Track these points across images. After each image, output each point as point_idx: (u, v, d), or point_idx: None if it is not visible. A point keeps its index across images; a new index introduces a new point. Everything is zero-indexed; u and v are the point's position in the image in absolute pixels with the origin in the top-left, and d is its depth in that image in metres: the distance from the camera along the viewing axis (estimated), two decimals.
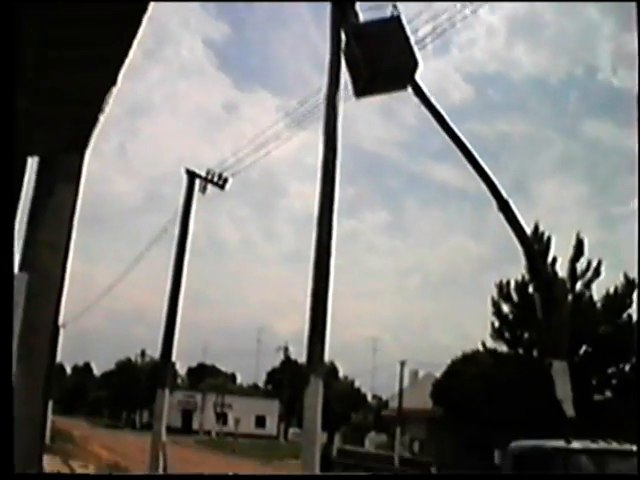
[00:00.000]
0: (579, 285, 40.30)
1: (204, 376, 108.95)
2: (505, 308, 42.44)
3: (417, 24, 16.83)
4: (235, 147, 21.42)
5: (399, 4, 16.52)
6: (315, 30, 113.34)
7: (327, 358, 14.54)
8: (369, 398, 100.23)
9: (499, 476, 13.08)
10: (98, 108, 6.25)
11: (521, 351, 41.68)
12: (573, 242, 40.76)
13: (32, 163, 6.72)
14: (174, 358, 22.44)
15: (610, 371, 40.54)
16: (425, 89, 17.11)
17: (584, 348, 39.28)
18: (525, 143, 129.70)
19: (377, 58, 15.73)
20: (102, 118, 6.49)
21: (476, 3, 17.36)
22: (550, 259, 39.13)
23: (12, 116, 4.57)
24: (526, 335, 40.98)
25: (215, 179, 21.66)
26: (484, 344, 43.55)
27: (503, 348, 42.58)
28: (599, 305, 40.63)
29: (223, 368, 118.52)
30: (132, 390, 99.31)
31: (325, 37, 15.49)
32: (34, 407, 6.11)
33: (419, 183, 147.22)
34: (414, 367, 62.64)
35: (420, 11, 16.99)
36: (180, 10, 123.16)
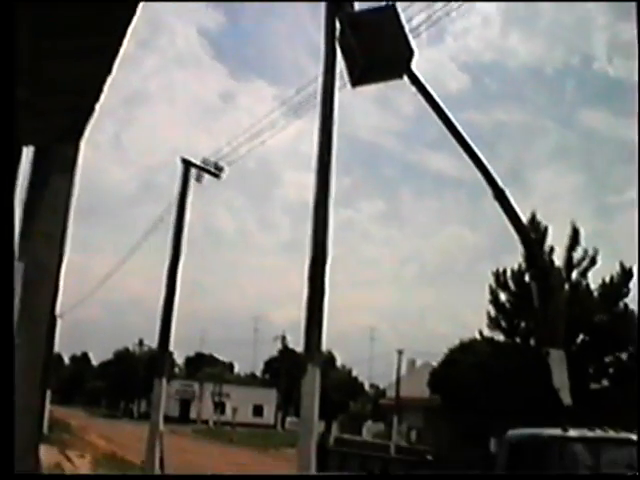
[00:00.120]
0: (575, 274, 40.36)
1: (202, 365, 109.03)
2: (502, 297, 42.49)
3: (411, 12, 16.81)
4: (231, 136, 21.44)
5: None
6: (310, 19, 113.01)
7: (324, 347, 14.55)
8: (366, 387, 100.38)
9: (499, 476, 13.09)
10: (93, 97, 6.23)
11: (518, 340, 41.76)
12: (569, 231, 40.84)
13: (27, 153, 6.70)
14: (172, 347, 22.49)
15: (607, 360, 40.63)
16: (421, 78, 17.09)
17: (581, 337, 39.35)
18: (521, 132, 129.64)
19: (372, 47, 15.69)
20: (98, 107, 6.47)
21: None
22: (547, 248, 39.18)
23: (12, 107, 4.56)
24: (523, 324, 41.05)
25: (211, 168, 21.64)
26: (481, 333, 43.64)
27: (500, 337, 42.67)
28: (595, 294, 40.71)
29: (221, 357, 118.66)
30: (130, 380, 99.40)
31: (320, 26, 15.47)
32: (31, 397, 6.12)
33: (415, 172, 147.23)
34: (411, 356, 62.87)
35: None
36: None
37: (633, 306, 40.40)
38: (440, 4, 16.81)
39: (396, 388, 56.09)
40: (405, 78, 16.87)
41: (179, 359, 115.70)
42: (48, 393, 38.32)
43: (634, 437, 14.35)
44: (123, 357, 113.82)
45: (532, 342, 39.09)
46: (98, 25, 5.24)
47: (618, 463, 13.91)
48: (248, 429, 76.30)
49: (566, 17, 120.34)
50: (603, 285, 40.73)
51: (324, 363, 19.15)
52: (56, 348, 53.70)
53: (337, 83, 14.73)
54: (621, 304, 40.58)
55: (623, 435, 14.28)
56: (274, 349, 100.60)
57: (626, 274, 40.35)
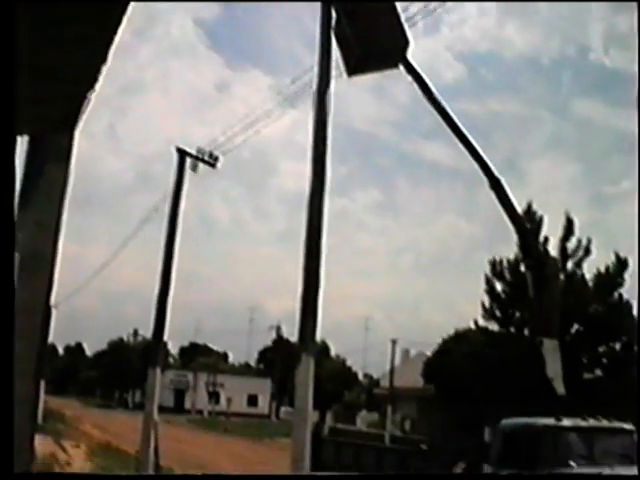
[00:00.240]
0: (570, 264, 40.40)
1: (196, 355, 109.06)
2: (498, 286, 42.53)
3: (407, 2, 16.76)
4: (227, 126, 21.41)
5: None
6: (306, 8, 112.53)
7: (319, 337, 14.57)
8: (361, 377, 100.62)
9: (500, 476, 13.13)
10: (88, 86, 6.20)
11: (513, 330, 41.81)
12: (563, 221, 40.88)
13: (21, 142, 6.68)
14: (166, 337, 22.48)
15: (601, 350, 40.71)
16: (417, 67, 17.08)
17: (575, 327, 39.41)
18: (517, 122, 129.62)
19: (368, 36, 15.67)
20: (93, 97, 6.45)
21: None
22: (542, 238, 39.22)
23: (12, 97, 4.54)
24: (517, 314, 41.11)
25: (206, 157, 21.61)
26: (476, 322, 43.69)
27: (495, 327, 42.71)
28: (590, 284, 40.76)
29: (215, 347, 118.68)
30: (124, 370, 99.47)
31: (316, 15, 15.42)
32: (26, 387, 6.11)
33: (411, 162, 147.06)
34: (406, 346, 62.92)
35: None
36: None
37: (628, 296, 40.55)
38: None
39: (390, 378, 56.17)
40: (401, 68, 16.86)
41: (173, 349, 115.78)
42: (42, 383, 38.26)
43: (627, 426, 14.42)
44: (117, 347, 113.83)
45: (527, 332, 39.16)
46: (93, 13, 5.21)
47: (611, 452, 13.98)
48: (242, 419, 76.47)
49: (562, 8, 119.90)
50: (598, 275, 40.78)
51: (318, 353, 19.15)
52: (50, 338, 53.74)
53: (333, 73, 14.71)
54: (616, 294, 40.64)
55: (616, 424, 14.34)
56: (269, 339, 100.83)
57: (621, 264, 40.39)
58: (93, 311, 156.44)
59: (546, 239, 39.54)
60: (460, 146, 17.20)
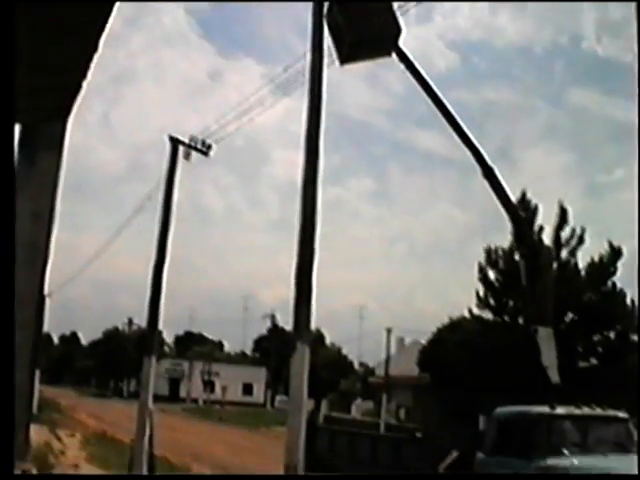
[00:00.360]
0: (564, 253, 40.47)
1: (191, 344, 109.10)
2: (492, 275, 42.58)
3: None
4: (219, 114, 21.36)
5: None
6: None
7: (314, 326, 14.55)
8: (356, 365, 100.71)
9: (501, 476, 13.17)
10: (80, 75, 6.18)
11: (507, 318, 41.89)
12: (557, 210, 40.93)
13: (14, 131, 6.65)
14: (161, 326, 22.43)
15: (595, 338, 40.83)
16: (410, 55, 17.04)
17: (569, 316, 39.50)
18: (510, 111, 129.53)
19: (360, 24, 15.63)
20: (85, 85, 6.43)
21: None
22: (537, 227, 39.26)
23: (11, 89, 4.53)
24: (511, 303, 41.18)
25: (199, 146, 21.56)
26: (470, 311, 43.76)
27: (489, 315, 42.79)
28: (584, 273, 40.83)
29: (210, 336, 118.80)
30: (119, 359, 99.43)
31: (308, 3, 15.35)
32: (21, 377, 6.10)
33: (404, 151, 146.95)
34: (401, 334, 62.94)
35: None
36: None
37: (621, 285, 40.65)
38: None
39: (385, 366, 56.23)
40: (393, 56, 16.82)
41: (169, 338, 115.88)
42: (37, 373, 38.28)
43: (621, 415, 14.46)
44: (112, 336, 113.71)
45: (521, 321, 39.24)
46: (83, 2, 5.19)
47: (605, 440, 14.03)
48: (237, 408, 76.53)
49: None
50: (592, 264, 40.86)
51: (313, 342, 19.15)
52: (45, 328, 53.69)
53: (325, 60, 14.67)
54: (609, 283, 40.74)
55: (611, 413, 14.38)
56: (264, 328, 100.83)
57: (615, 253, 40.47)
58: (88, 300, 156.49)
59: (541, 228, 39.60)
60: (454, 135, 17.20)
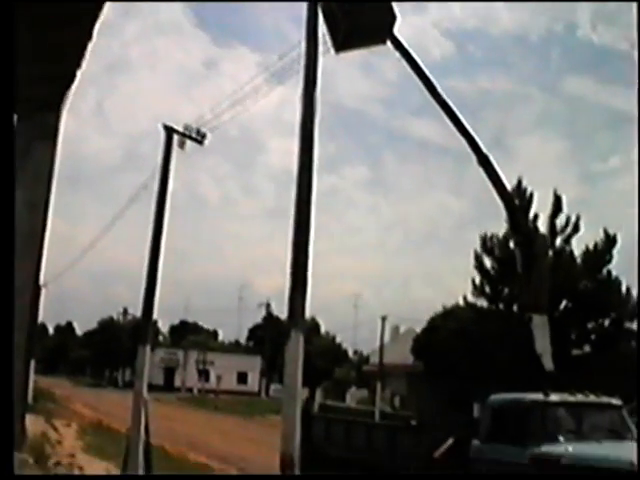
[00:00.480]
0: (559, 241, 40.55)
1: (186, 333, 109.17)
2: (487, 262, 42.67)
3: None
4: (214, 103, 21.27)
5: None
6: None
7: (309, 314, 14.57)
8: (350, 354, 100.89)
9: (502, 476, 13.22)
10: (74, 64, 6.16)
11: (501, 306, 42.01)
12: (551, 199, 41.02)
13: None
14: (156, 316, 22.42)
15: (589, 326, 40.96)
16: (405, 43, 17.02)
17: (564, 303, 39.61)
18: (505, 99, 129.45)
19: (355, 11, 15.60)
20: (79, 75, 6.41)
21: None
22: (532, 215, 39.32)
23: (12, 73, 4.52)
24: (506, 290, 41.29)
25: (193, 134, 21.51)
26: (465, 299, 43.87)
27: (484, 303, 42.90)
28: (579, 261, 40.94)
29: (205, 325, 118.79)
30: (114, 349, 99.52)
31: None
32: (16, 367, 6.10)
33: (399, 139, 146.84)
34: (395, 322, 63.03)
35: None
36: None
37: (616, 273, 40.79)
38: None
39: (380, 354, 56.34)
40: (388, 44, 16.80)
41: (163, 327, 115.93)
42: (32, 363, 38.29)
43: (615, 401, 14.53)
44: (107, 326, 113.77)
45: (515, 308, 39.36)
46: None
47: (599, 427, 14.09)
48: (232, 397, 76.65)
49: None
50: (587, 252, 40.96)
51: (308, 330, 19.18)
52: (40, 318, 53.66)
53: (320, 49, 14.63)
54: (604, 271, 40.86)
55: (604, 400, 14.44)
56: (258, 316, 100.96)
57: (610, 241, 40.58)
58: (82, 290, 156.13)
59: (536, 216, 39.68)
60: (449, 123, 17.19)
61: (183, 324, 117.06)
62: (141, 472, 17.31)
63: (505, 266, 37.83)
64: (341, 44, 15.80)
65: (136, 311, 65.65)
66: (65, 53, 5.95)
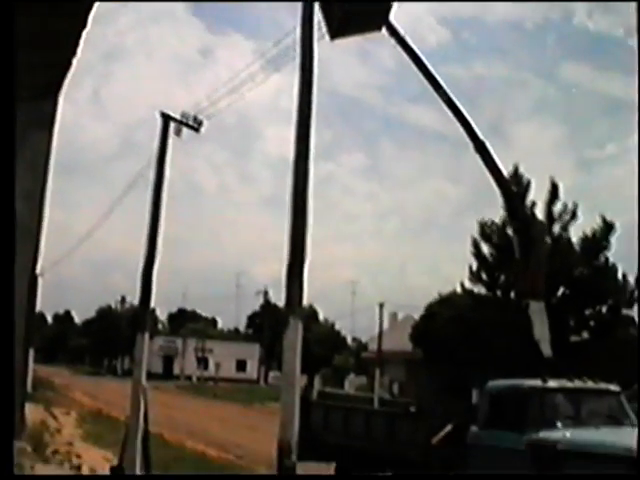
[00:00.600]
0: (557, 228, 40.59)
1: (185, 321, 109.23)
2: (485, 249, 42.71)
3: None
4: (210, 91, 21.20)
5: None
6: None
7: (307, 301, 14.57)
8: (349, 341, 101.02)
9: (503, 476, 13.25)
10: (70, 52, 6.14)
11: (499, 293, 42.07)
12: (548, 186, 41.04)
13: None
14: (154, 304, 22.42)
15: (587, 313, 41.04)
16: (400, 30, 16.98)
17: (561, 290, 39.68)
18: (502, 86, 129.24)
19: None
20: (75, 62, 6.39)
21: None
22: (529, 202, 39.34)
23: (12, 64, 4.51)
24: (503, 277, 41.34)
25: (190, 122, 21.45)
26: (463, 285, 43.93)
27: (481, 290, 42.96)
28: (577, 247, 40.98)
29: (203, 313, 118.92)
30: (113, 337, 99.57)
31: None
32: (15, 356, 6.10)
33: (396, 126, 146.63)
34: (393, 309, 63.08)
35: None
36: None
37: (613, 259, 40.85)
38: None
39: (378, 341, 56.42)
40: (384, 30, 16.75)
41: (162, 315, 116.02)
42: (31, 352, 38.33)
43: (613, 387, 14.56)
44: (106, 315, 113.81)
45: (513, 295, 39.40)
46: None
47: (597, 413, 14.12)
48: (231, 384, 76.79)
49: None
50: (584, 239, 41.00)
51: (307, 317, 19.18)
52: (39, 307, 53.64)
53: (315, 35, 14.58)
54: (602, 258, 40.91)
55: (602, 386, 14.47)
56: (257, 304, 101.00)
57: (607, 228, 40.62)
58: (81, 279, 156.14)
59: (533, 203, 39.70)
60: (445, 109, 17.16)
61: (181, 312, 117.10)
62: (139, 460, 17.32)
63: (503, 253, 37.88)
64: (336, 31, 15.73)
65: (134, 299, 65.67)
66: (60, 40, 5.93)
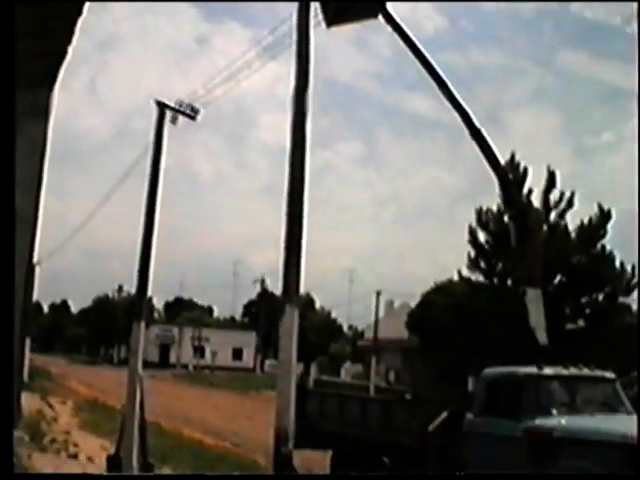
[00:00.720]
0: (554, 216, 40.58)
1: (181, 310, 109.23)
2: (482, 237, 42.71)
3: None
4: (207, 79, 21.12)
5: None
6: None
7: (303, 290, 14.55)
8: (345, 329, 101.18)
9: (505, 476, 13.27)
10: (65, 40, 6.13)
11: (496, 280, 42.09)
12: (545, 174, 41.01)
13: None
14: (150, 293, 22.42)
15: (583, 300, 41.09)
16: (397, 17, 16.91)
17: (558, 278, 39.71)
18: (499, 73, 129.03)
19: None
20: (70, 51, 6.37)
21: None
22: (526, 190, 39.33)
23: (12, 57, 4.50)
24: (500, 265, 41.35)
25: (186, 110, 21.39)
26: (460, 273, 43.92)
27: (479, 278, 42.97)
28: (573, 235, 41.00)
29: (200, 302, 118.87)
30: (110, 326, 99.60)
31: None
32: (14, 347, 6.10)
33: (393, 114, 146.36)
34: (390, 297, 63.16)
35: None
36: None
37: (610, 247, 40.89)
38: None
39: (374, 329, 56.55)
40: (380, 18, 16.69)
41: (158, 304, 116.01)
42: (28, 341, 38.34)
43: (609, 375, 14.59)
44: (102, 304, 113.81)
45: (510, 282, 39.44)
46: None
47: (593, 400, 14.16)
48: (227, 372, 76.88)
49: None
50: (581, 227, 41.01)
51: (303, 306, 19.18)
52: (35, 296, 53.60)
53: (312, 22, 14.53)
54: (598, 245, 40.95)
55: (598, 373, 14.50)
56: (253, 292, 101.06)
57: (604, 216, 40.64)
58: (77, 268, 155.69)
59: (530, 191, 39.68)
60: (442, 98, 17.10)
61: (178, 301, 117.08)
62: (136, 448, 17.33)
63: (499, 240, 37.88)
64: (333, 18, 15.66)
65: (131, 288, 65.64)
66: (55, 29, 5.91)
